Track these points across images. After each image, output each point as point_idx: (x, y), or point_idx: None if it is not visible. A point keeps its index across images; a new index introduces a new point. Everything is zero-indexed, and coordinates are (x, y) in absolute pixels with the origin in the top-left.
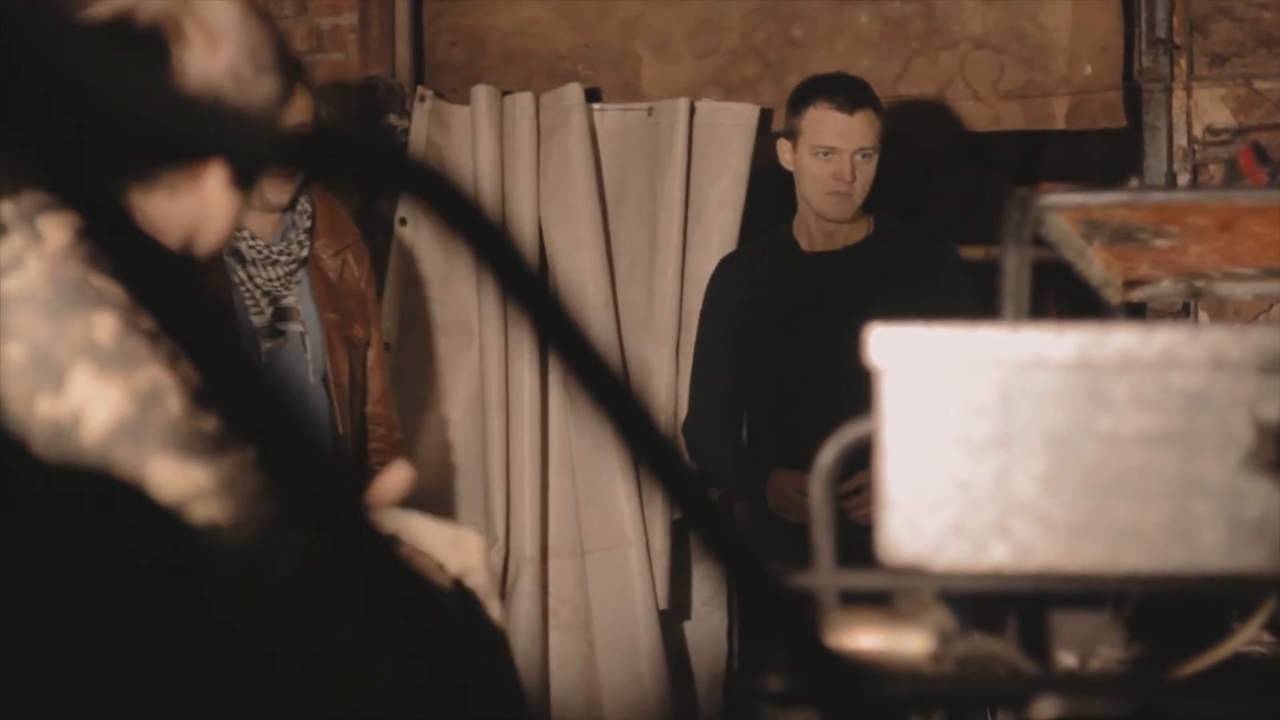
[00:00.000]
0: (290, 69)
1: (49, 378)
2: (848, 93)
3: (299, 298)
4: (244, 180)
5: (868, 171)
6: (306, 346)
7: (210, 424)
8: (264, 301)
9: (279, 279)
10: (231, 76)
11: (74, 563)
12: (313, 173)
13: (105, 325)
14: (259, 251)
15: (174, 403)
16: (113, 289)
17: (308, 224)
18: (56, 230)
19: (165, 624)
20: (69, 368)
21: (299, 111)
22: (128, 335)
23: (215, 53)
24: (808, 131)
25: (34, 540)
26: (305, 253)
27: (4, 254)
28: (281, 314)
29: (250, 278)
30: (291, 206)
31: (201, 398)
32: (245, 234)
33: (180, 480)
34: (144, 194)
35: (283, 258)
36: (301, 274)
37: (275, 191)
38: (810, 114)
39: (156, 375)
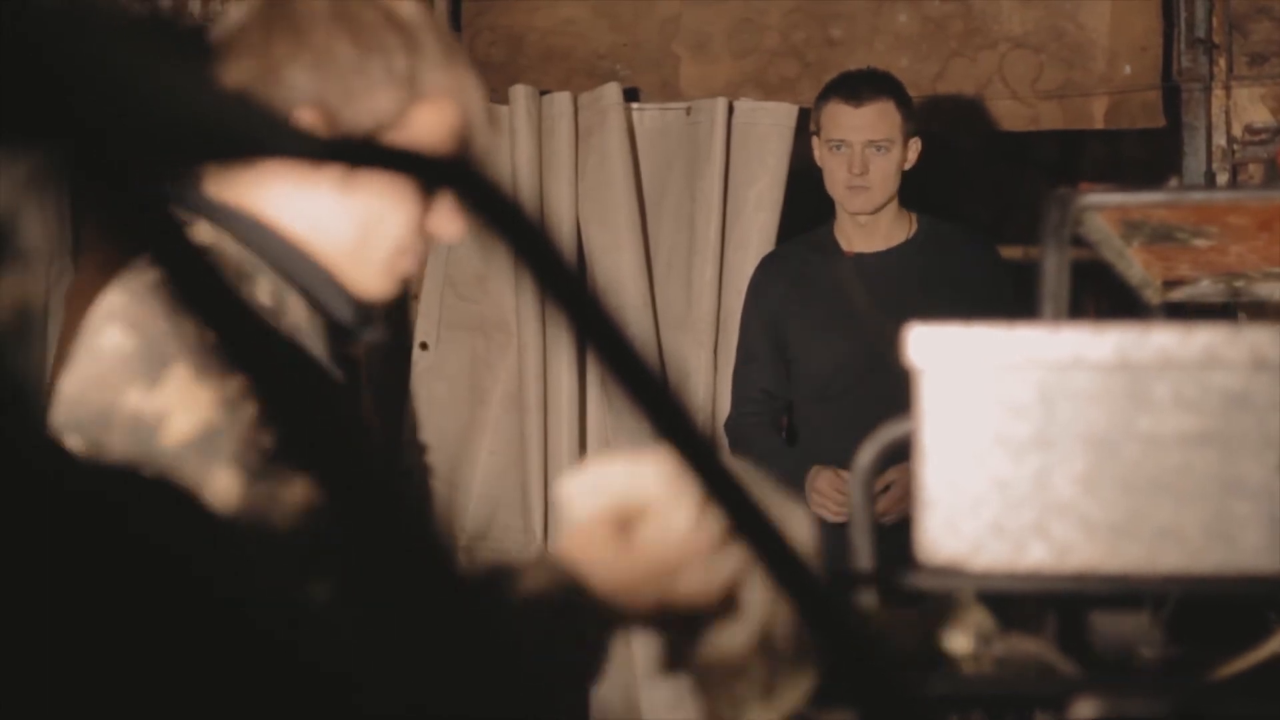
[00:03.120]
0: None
1: (149, 370)
2: (857, 86)
3: None
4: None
5: (884, 164)
6: None
7: (268, 439)
8: None
9: None
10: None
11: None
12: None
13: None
14: None
15: (248, 414)
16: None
17: None
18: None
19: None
20: (170, 364)
21: None
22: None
23: (358, 39)
24: (824, 127)
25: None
26: None
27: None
28: None
29: None
30: None
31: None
32: None
33: (236, 491)
34: (305, 190)
35: None
36: None
37: None
38: (826, 109)
39: (240, 386)
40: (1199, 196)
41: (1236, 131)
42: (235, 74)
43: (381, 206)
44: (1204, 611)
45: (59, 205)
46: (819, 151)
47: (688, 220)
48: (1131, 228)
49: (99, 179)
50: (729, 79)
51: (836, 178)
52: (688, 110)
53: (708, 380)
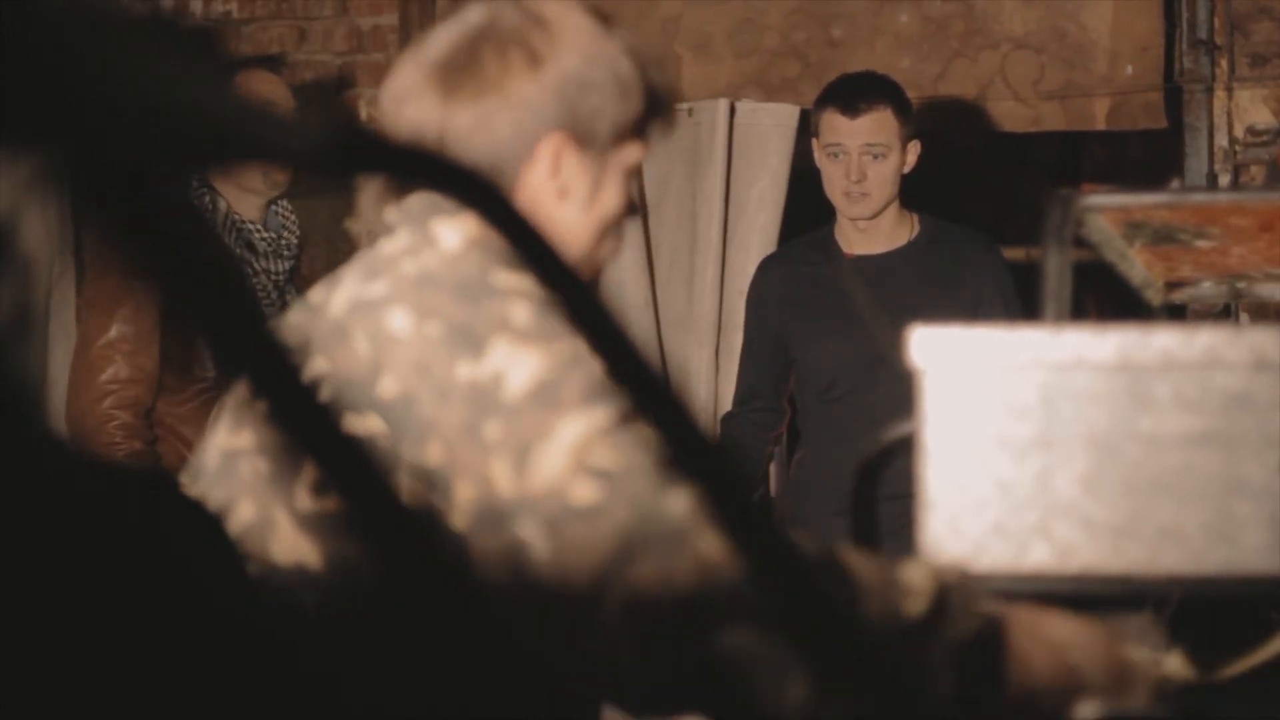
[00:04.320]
0: (649, 84)
1: (469, 347)
2: (852, 94)
3: (292, 293)
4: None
5: (882, 170)
6: None
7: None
8: (274, 295)
9: (283, 273)
10: (554, 94)
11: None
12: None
13: (520, 309)
14: (269, 244)
15: (590, 366)
16: (520, 282)
17: (293, 216)
18: (450, 232)
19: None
20: (487, 338)
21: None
22: (543, 318)
23: (537, 70)
24: (822, 133)
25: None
26: (298, 248)
27: (394, 247)
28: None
29: (265, 270)
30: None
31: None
32: (251, 225)
33: (586, 430)
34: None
35: (285, 251)
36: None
37: (272, 178)
38: (823, 117)
39: (578, 345)
40: (1200, 197)
41: (1238, 132)
42: (456, 118)
43: (582, 197)
44: (1206, 612)
45: (60, 206)
46: (818, 155)
47: (689, 220)
48: (1133, 229)
49: (100, 179)
50: (730, 79)
51: (835, 184)
52: (689, 110)
53: (709, 380)
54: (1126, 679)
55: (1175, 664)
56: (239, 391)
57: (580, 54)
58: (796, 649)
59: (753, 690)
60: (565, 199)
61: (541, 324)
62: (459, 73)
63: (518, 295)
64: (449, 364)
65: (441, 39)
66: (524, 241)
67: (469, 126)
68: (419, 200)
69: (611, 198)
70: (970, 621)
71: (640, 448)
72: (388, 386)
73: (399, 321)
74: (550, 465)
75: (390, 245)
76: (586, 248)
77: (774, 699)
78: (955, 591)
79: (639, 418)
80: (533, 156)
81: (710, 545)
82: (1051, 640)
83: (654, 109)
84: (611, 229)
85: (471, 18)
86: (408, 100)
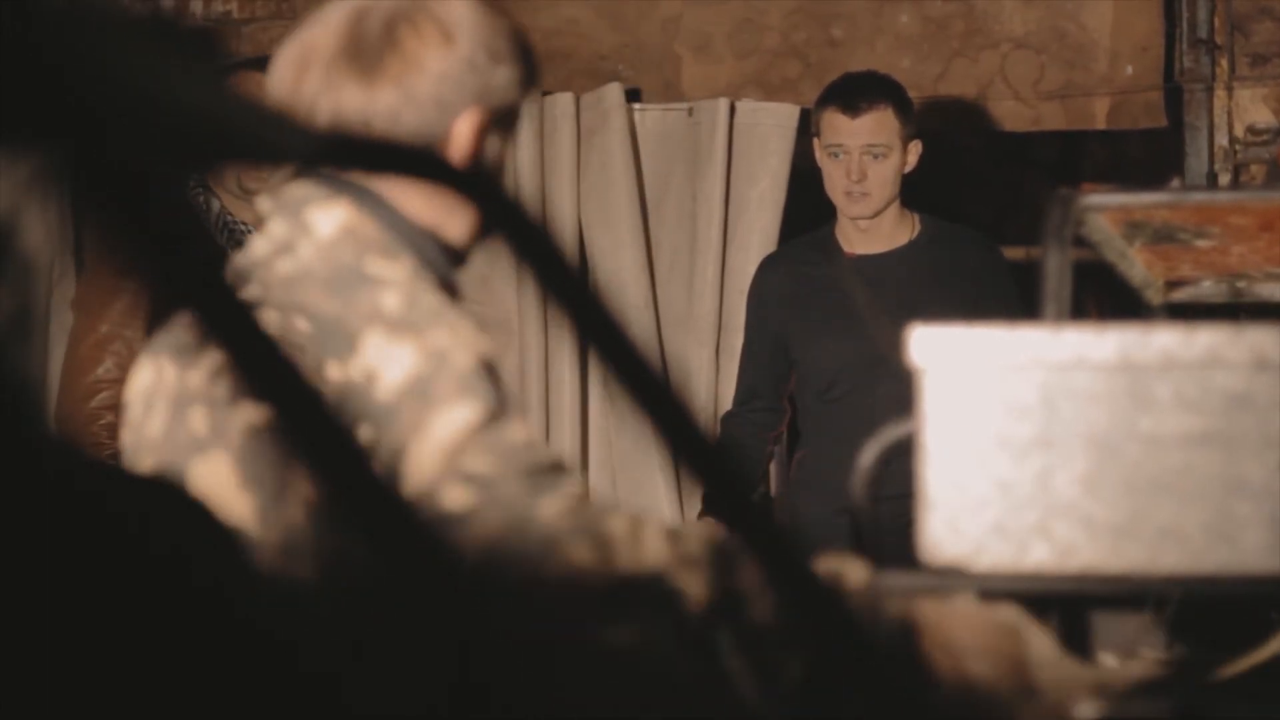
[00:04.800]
0: (530, 58)
1: (339, 345)
2: (853, 94)
3: None
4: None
5: (882, 170)
6: None
7: (490, 388)
8: None
9: None
10: (469, 67)
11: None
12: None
13: (393, 296)
14: None
15: (461, 359)
16: (391, 269)
17: None
18: (325, 220)
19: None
20: (360, 333)
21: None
22: (414, 305)
23: (451, 45)
24: (822, 133)
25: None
26: None
27: (269, 241)
28: None
29: None
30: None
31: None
32: (244, 225)
33: (457, 428)
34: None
35: None
36: None
37: (251, 180)
38: (824, 117)
39: (446, 336)
40: (1201, 197)
41: (1238, 132)
42: (373, 103)
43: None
44: (1206, 612)
45: (60, 206)
46: (818, 154)
47: (690, 220)
48: (1133, 228)
49: (101, 179)
50: (731, 79)
51: (835, 183)
52: (690, 111)
53: (710, 380)
54: (1027, 689)
55: (1141, 665)
56: (178, 332)
57: (483, 27)
58: (675, 646)
59: (631, 686)
60: None
61: (414, 312)
62: (375, 54)
63: (391, 283)
64: (316, 367)
65: (338, 24)
66: (530, 239)
67: (393, 107)
68: (294, 189)
69: (506, 173)
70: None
71: (512, 450)
72: None
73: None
74: (423, 467)
75: (262, 244)
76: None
77: (656, 693)
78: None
79: (507, 413)
80: (451, 133)
81: (581, 550)
82: (952, 646)
83: (531, 83)
84: None
85: (360, 2)
86: (318, 88)
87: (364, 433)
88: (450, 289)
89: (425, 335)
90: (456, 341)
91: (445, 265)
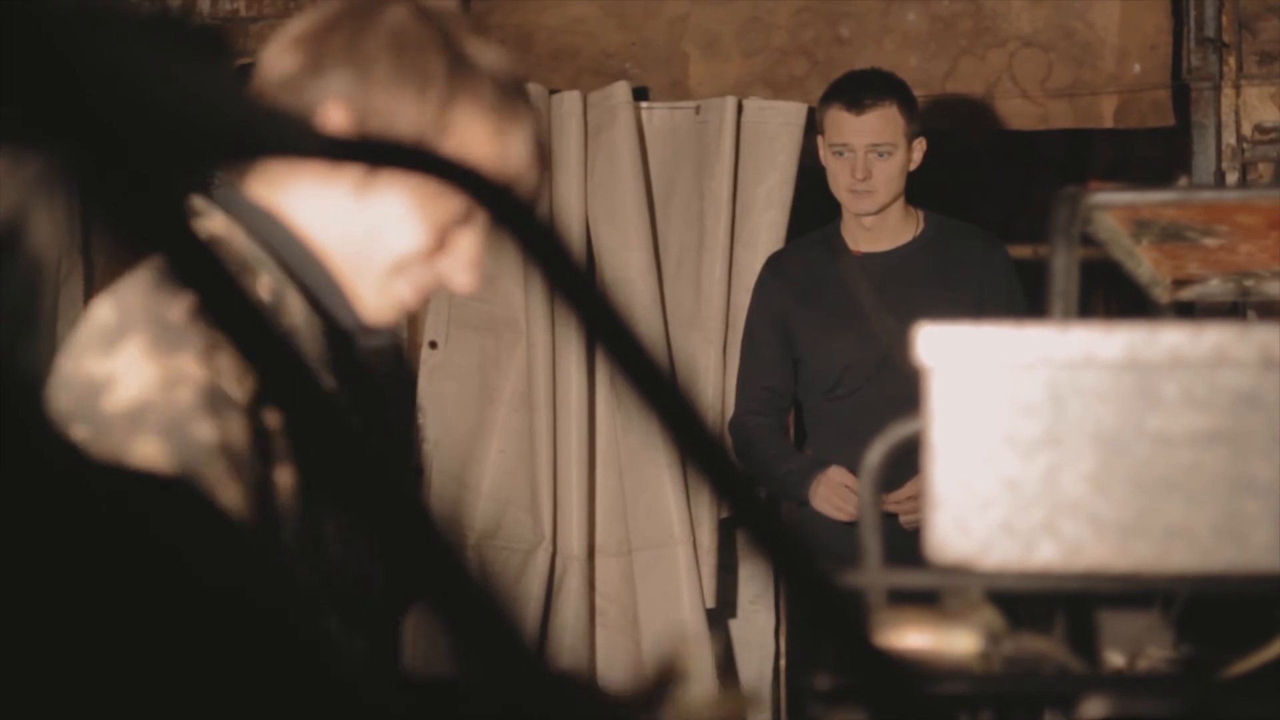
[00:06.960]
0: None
1: (106, 342)
2: (858, 92)
3: None
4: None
5: (887, 168)
6: None
7: (209, 428)
8: None
9: None
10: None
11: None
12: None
13: (178, 311)
14: None
15: (184, 395)
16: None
17: None
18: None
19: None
20: (123, 336)
21: None
22: (191, 326)
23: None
24: (827, 131)
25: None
26: None
27: None
28: None
29: None
30: None
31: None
32: None
33: (162, 461)
34: (322, 190)
35: None
36: None
37: None
38: (828, 114)
39: (184, 363)
40: (1208, 195)
41: (1246, 130)
42: (281, 65)
43: (390, 217)
44: (1213, 610)
45: (68, 203)
46: (823, 152)
47: (697, 218)
48: (1141, 226)
49: (108, 177)
50: (738, 78)
51: (840, 181)
52: (697, 109)
53: (717, 378)
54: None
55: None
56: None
57: (467, 34)
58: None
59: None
60: None
61: (183, 333)
62: (378, 55)
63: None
64: (79, 355)
65: (341, 21)
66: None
67: (388, 108)
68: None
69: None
70: None
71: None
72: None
73: (96, 310)
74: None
75: None
76: (348, 252)
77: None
78: None
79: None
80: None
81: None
82: None
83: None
84: None
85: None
86: (315, 88)
87: (80, 431)
88: (343, 337)
89: (174, 358)
90: (190, 374)
91: (344, 306)
